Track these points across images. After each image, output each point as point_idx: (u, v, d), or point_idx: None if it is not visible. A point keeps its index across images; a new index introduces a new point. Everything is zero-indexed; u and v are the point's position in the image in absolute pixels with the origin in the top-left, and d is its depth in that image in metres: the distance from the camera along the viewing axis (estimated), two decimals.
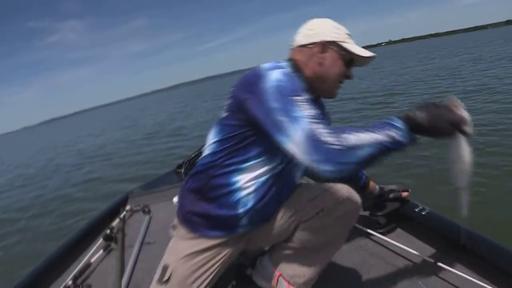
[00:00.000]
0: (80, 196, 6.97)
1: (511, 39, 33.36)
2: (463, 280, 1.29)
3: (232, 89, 1.15)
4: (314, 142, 0.90)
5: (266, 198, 1.18)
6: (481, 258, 1.36)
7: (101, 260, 1.99)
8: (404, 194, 1.76)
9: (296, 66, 1.19)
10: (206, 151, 1.20)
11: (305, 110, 0.95)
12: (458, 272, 1.32)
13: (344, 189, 1.25)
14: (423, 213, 1.66)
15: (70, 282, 1.68)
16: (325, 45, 1.19)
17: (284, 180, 1.21)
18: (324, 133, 0.91)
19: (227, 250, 1.23)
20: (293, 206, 1.25)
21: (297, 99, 0.97)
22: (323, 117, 1.02)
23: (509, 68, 12.40)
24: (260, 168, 1.14)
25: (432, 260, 1.42)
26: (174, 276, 1.18)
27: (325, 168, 0.91)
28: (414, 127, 0.95)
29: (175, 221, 1.27)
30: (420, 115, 0.94)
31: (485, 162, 4.03)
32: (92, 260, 1.94)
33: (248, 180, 1.14)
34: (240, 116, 1.09)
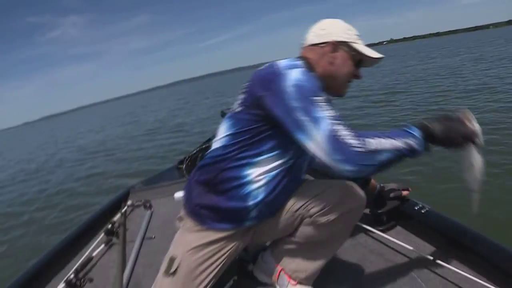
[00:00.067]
0: (82, 191, 7.01)
1: None
2: (462, 277, 1.30)
3: (246, 84, 1.18)
4: (336, 143, 0.96)
5: (276, 191, 1.20)
6: (480, 256, 1.36)
7: (102, 254, 2.00)
8: (404, 192, 1.77)
9: (308, 65, 1.20)
10: (217, 144, 1.21)
11: (325, 111, 1.00)
12: (457, 269, 1.33)
13: (350, 186, 1.27)
14: (422, 211, 1.66)
15: (72, 276, 1.69)
16: (336, 45, 1.21)
17: (293, 174, 1.23)
18: (347, 135, 0.97)
19: (234, 243, 1.24)
20: (299, 201, 1.26)
21: (317, 99, 1.02)
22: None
23: (510, 68, 12.41)
24: (272, 162, 1.16)
25: (431, 258, 1.43)
26: (181, 268, 1.19)
27: (345, 167, 0.97)
28: (429, 137, 1.05)
29: (182, 213, 1.28)
30: (436, 127, 1.04)
31: (485, 161, 4.03)
32: (94, 254, 1.95)
33: (259, 174, 1.16)
34: (255, 111, 1.11)
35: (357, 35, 1.25)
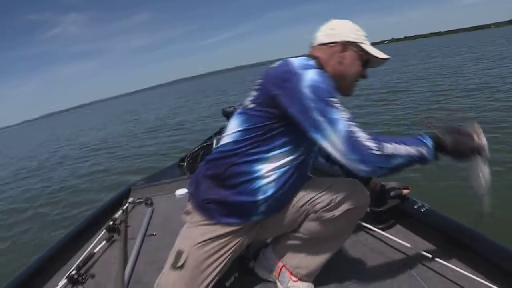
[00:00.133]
0: (85, 188, 7.03)
1: None
2: (460, 275, 1.31)
3: (259, 81, 1.20)
4: (354, 144, 1.02)
5: (285, 187, 1.22)
6: (478, 254, 1.37)
7: (104, 250, 2.01)
8: (405, 191, 1.78)
9: (319, 64, 1.22)
10: (227, 139, 1.23)
11: (341, 112, 1.05)
12: (455, 267, 1.34)
13: (355, 184, 1.29)
14: (422, 210, 1.67)
15: (74, 272, 1.70)
16: (346, 45, 1.25)
17: (302, 171, 1.26)
18: (364, 137, 1.03)
19: (240, 238, 1.26)
20: (304, 196, 1.28)
21: (333, 101, 1.06)
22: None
23: (511, 68, 12.38)
24: (282, 159, 1.18)
25: (430, 256, 1.44)
26: (188, 262, 1.20)
27: (360, 167, 1.04)
28: (439, 148, 1.12)
29: (189, 207, 1.29)
30: (447, 139, 1.11)
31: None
32: (96, 250, 1.96)
33: (270, 170, 1.18)
34: (268, 109, 1.14)
35: (365, 36, 1.29)
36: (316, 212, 1.26)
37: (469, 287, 1.27)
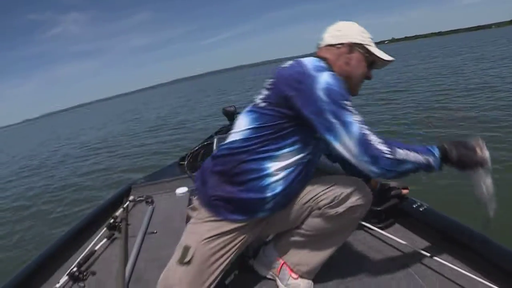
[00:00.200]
0: (87, 186, 7.06)
1: None
2: (458, 273, 1.32)
3: (271, 80, 1.23)
4: (367, 146, 1.08)
5: (293, 185, 1.24)
6: (476, 253, 1.38)
7: (105, 248, 2.02)
8: (404, 191, 1.79)
9: (328, 65, 1.25)
10: (236, 136, 1.25)
11: (354, 115, 1.10)
12: (453, 266, 1.35)
13: (358, 182, 1.30)
14: (420, 209, 1.69)
15: (75, 269, 1.71)
16: (352, 47, 1.29)
17: (309, 169, 1.29)
18: (376, 141, 1.09)
19: (245, 234, 1.27)
20: (309, 193, 1.30)
21: (347, 104, 1.11)
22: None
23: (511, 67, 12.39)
24: (292, 157, 1.21)
25: (428, 254, 1.45)
26: (195, 258, 1.21)
27: (372, 168, 1.10)
28: (444, 158, 1.18)
29: (195, 203, 1.30)
30: (453, 152, 1.17)
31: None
32: (96, 248, 1.97)
33: (279, 168, 1.20)
34: (280, 109, 1.16)
35: (371, 38, 1.32)
36: (320, 208, 1.28)
37: (466, 285, 1.29)
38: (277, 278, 1.44)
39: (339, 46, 1.30)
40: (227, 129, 3.73)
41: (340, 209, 1.26)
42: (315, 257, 1.38)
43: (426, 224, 1.66)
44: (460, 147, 1.18)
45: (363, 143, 1.08)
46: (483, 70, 13.03)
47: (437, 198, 1.87)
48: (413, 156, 1.13)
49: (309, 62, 1.20)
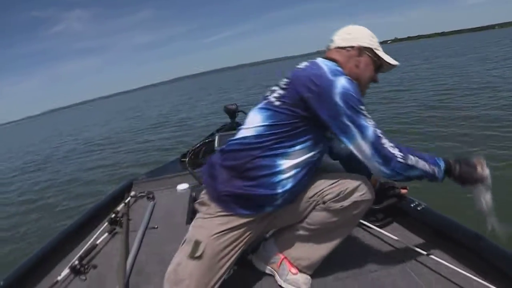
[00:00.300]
0: (89, 181, 7.12)
1: None
2: (454, 271, 1.33)
3: (287, 80, 1.27)
4: (380, 149, 1.16)
5: (302, 182, 1.28)
6: (471, 251, 1.40)
7: (106, 242, 2.03)
8: (403, 191, 1.80)
9: (340, 67, 1.29)
10: (249, 132, 1.27)
11: (369, 119, 1.17)
12: (449, 264, 1.37)
13: (362, 178, 1.33)
14: (418, 208, 1.70)
15: (76, 262, 1.72)
16: (362, 50, 1.34)
17: (316, 166, 1.33)
18: (389, 145, 1.17)
19: (253, 229, 1.30)
20: (315, 188, 1.32)
21: (362, 108, 1.17)
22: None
23: None
24: (303, 155, 1.24)
25: (425, 253, 1.46)
26: (206, 252, 1.23)
27: (382, 169, 1.18)
28: (448, 172, 1.25)
29: (205, 198, 1.31)
30: (457, 168, 1.24)
31: (486, 158, 4.09)
32: (98, 242, 1.98)
33: (291, 165, 1.23)
34: (296, 109, 1.20)
35: (379, 43, 1.37)
36: (325, 202, 1.30)
37: (462, 283, 1.30)
38: (276, 273, 1.46)
39: (349, 49, 1.34)
40: (228, 127, 3.74)
41: (346, 203, 1.28)
42: (316, 252, 1.40)
43: (423, 223, 1.67)
44: (463, 164, 1.25)
45: (377, 146, 1.16)
46: (486, 70, 12.99)
47: (434, 198, 1.88)
48: (422, 164, 1.20)
49: (326, 65, 1.24)
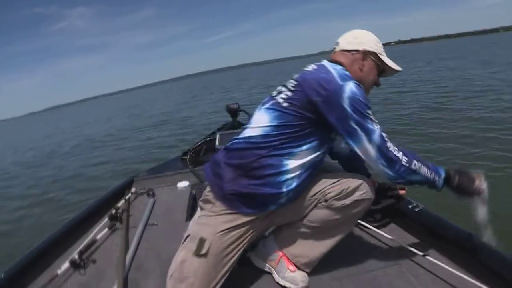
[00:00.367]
0: (90, 177, 7.17)
1: None
2: (449, 273, 1.34)
3: (295, 83, 1.29)
4: (386, 153, 1.21)
5: (306, 181, 1.30)
6: (467, 253, 1.41)
7: (106, 237, 2.04)
8: (401, 192, 1.81)
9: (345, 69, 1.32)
10: (255, 131, 1.29)
11: (375, 123, 1.22)
12: (445, 266, 1.37)
13: (363, 178, 1.36)
14: (416, 210, 1.71)
15: (76, 256, 1.73)
16: (366, 54, 1.37)
17: (319, 166, 1.35)
18: (394, 149, 1.22)
19: (257, 226, 1.32)
20: (318, 186, 1.34)
21: (369, 113, 1.21)
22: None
23: None
24: (308, 156, 1.27)
25: (421, 254, 1.47)
26: (211, 250, 1.24)
27: (386, 171, 1.23)
28: (447, 181, 1.30)
29: (210, 196, 1.32)
30: (456, 179, 1.29)
31: (485, 155, 4.24)
32: (98, 237, 1.99)
33: (296, 165, 1.26)
34: (303, 111, 1.23)
35: (383, 47, 1.40)
36: (326, 200, 1.32)
37: (458, 285, 1.31)
38: (274, 271, 1.46)
39: (354, 52, 1.37)
40: (229, 126, 3.75)
41: (347, 201, 1.30)
42: (315, 249, 1.41)
43: (420, 224, 1.68)
44: (462, 176, 1.29)
45: (382, 149, 1.20)
46: (489, 73, 12.96)
47: (432, 200, 1.89)
48: (424, 170, 1.25)
49: (334, 70, 1.27)
